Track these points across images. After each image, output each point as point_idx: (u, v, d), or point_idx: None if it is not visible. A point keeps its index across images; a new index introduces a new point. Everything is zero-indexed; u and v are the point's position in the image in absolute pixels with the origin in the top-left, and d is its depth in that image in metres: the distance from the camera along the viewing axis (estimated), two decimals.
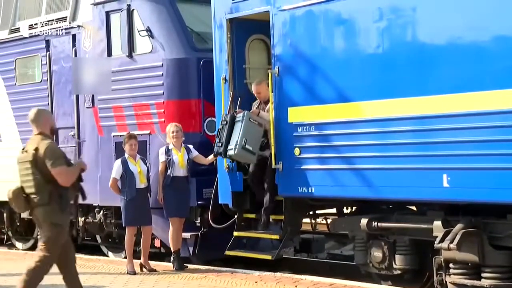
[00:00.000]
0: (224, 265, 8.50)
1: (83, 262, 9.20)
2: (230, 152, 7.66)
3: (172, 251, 8.26)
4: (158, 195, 8.24)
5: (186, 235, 8.57)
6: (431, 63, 6.44)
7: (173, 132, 8.22)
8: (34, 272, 5.71)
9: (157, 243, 9.06)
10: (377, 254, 7.16)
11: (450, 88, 6.32)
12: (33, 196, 5.70)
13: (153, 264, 8.42)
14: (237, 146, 7.56)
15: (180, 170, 8.14)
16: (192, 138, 8.71)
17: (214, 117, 8.56)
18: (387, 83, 6.76)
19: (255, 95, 8.02)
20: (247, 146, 7.57)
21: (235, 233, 8.23)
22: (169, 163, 8.14)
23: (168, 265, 8.45)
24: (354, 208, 7.92)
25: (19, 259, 9.87)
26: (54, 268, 8.08)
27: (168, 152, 8.21)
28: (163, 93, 8.98)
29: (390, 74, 6.73)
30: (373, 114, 6.85)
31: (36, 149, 5.68)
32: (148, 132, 9.08)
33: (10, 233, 11.44)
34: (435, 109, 6.40)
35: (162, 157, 8.21)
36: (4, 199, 11.18)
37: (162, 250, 9.14)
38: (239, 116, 7.69)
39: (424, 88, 6.49)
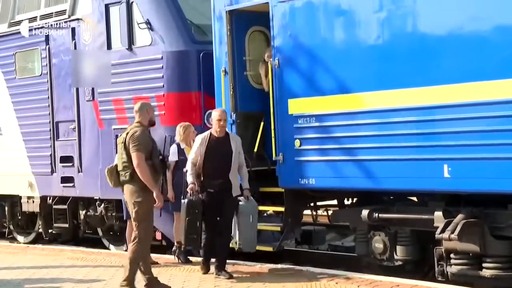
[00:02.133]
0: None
1: (85, 255, 9.21)
2: (246, 249, 7.36)
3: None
4: (168, 193, 8.08)
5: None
6: (432, 53, 6.43)
7: (194, 132, 8.01)
8: (134, 251, 6.41)
9: (158, 236, 9.06)
10: (378, 245, 7.16)
11: (450, 78, 6.30)
12: (120, 173, 6.52)
13: (155, 256, 8.41)
14: (253, 244, 7.32)
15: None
16: None
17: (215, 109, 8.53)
18: (388, 74, 6.74)
19: (216, 122, 7.14)
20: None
21: None
22: (182, 163, 7.87)
23: (170, 258, 8.45)
24: (355, 199, 7.92)
25: (20, 253, 9.88)
26: (47, 262, 8.04)
27: (180, 151, 8.07)
28: (163, 85, 8.96)
29: (391, 65, 6.71)
30: (373, 105, 6.84)
31: (127, 133, 6.52)
32: None
33: (11, 227, 11.44)
34: (435, 100, 6.39)
35: (175, 157, 8.01)
36: (5, 193, 11.33)
37: (163, 243, 9.14)
38: (245, 208, 7.18)
39: (425, 79, 6.47)
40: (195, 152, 7.21)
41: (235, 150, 7.15)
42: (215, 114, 7.24)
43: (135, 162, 6.37)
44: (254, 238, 7.33)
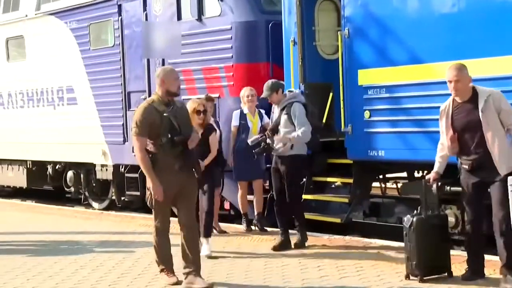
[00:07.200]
0: (293, 228, 8.55)
1: (151, 222, 9.43)
2: None
3: (257, 212, 8.23)
4: (228, 159, 8.28)
5: (253, 197, 8.65)
6: (508, 22, 6.16)
7: (247, 96, 8.16)
8: (154, 239, 5.96)
9: (226, 205, 9.18)
10: (450, 219, 7.01)
11: None
12: None
13: (223, 226, 8.56)
14: None
15: (253, 136, 8.11)
16: (260, 102, 8.70)
17: (283, 81, 8.51)
18: (461, 43, 6.52)
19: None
20: None
21: (304, 196, 8.24)
22: (243, 128, 8.10)
23: (238, 227, 8.56)
24: (425, 172, 7.77)
25: (95, 218, 10.25)
26: (120, 228, 8.19)
27: (242, 116, 8.18)
28: (232, 56, 9.00)
29: (465, 34, 6.49)
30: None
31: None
32: (217, 95, 9.15)
33: (86, 193, 11.86)
34: (511, 69, 6.15)
35: (235, 122, 8.20)
36: (80, 161, 11.73)
37: (232, 212, 9.27)
38: None
39: (501, 48, 6.23)
40: (441, 130, 5.53)
41: (484, 109, 5.24)
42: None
43: (133, 144, 5.60)
44: None
